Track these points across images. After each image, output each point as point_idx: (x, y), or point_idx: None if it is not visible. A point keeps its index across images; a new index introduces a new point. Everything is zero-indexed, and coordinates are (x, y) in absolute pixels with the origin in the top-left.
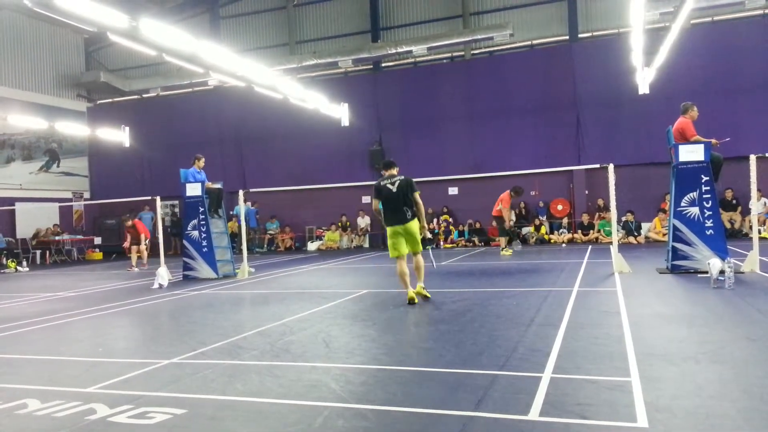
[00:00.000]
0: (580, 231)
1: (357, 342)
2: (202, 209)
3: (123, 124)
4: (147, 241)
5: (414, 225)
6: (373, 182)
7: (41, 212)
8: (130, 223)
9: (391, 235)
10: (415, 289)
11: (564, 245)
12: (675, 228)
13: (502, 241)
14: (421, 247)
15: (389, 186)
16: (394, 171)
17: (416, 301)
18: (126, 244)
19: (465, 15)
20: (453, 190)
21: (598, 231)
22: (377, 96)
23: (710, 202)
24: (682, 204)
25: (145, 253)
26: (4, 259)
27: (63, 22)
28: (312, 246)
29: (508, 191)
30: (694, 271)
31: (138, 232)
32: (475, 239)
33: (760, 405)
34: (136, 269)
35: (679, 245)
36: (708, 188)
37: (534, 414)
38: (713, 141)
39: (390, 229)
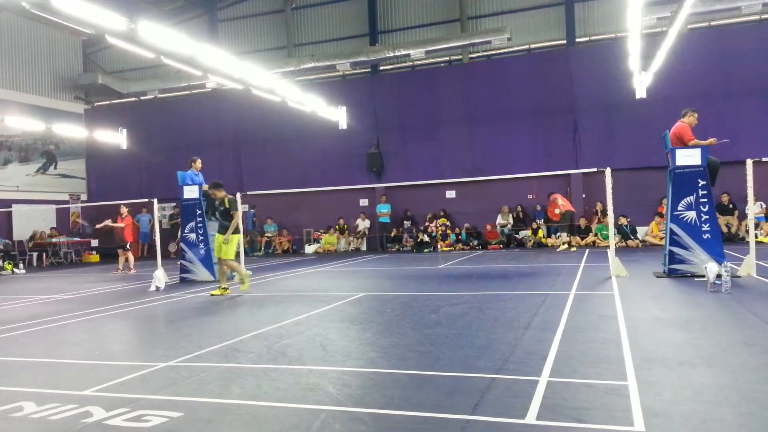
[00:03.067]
0: (577, 234)
1: (354, 345)
2: (199, 212)
3: (120, 127)
4: (129, 245)
5: None
6: (372, 185)
7: (38, 214)
8: (125, 212)
9: (238, 240)
10: (224, 284)
11: (574, 249)
12: (672, 232)
13: (567, 237)
14: None
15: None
16: None
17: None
18: (100, 225)
19: (463, 19)
20: (450, 194)
21: (596, 234)
22: (375, 99)
23: (707, 206)
24: (679, 208)
25: (132, 258)
26: (1, 261)
27: (61, 24)
28: (309, 249)
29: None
30: (691, 275)
31: (122, 226)
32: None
33: (757, 410)
34: (121, 271)
35: (676, 249)
36: (705, 192)
37: (531, 418)
38: (711, 141)
39: (239, 237)
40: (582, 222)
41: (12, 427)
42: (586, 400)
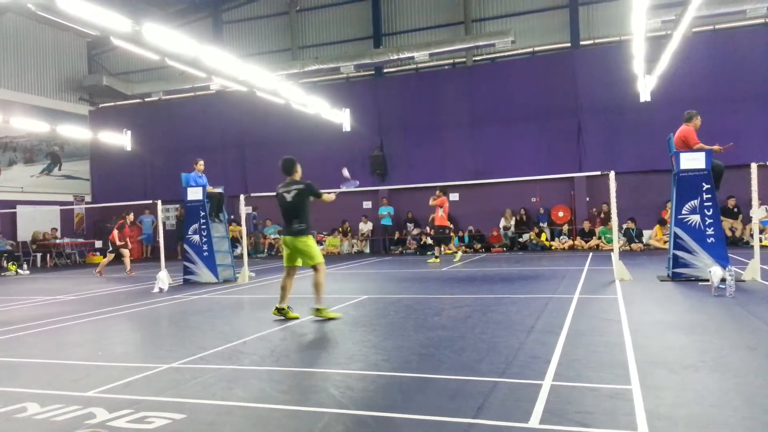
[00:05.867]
0: (579, 237)
1: (357, 348)
2: (203, 213)
3: (125, 128)
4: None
5: (303, 242)
6: (375, 187)
7: (42, 215)
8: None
9: (283, 245)
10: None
11: (435, 260)
12: (676, 236)
13: (441, 249)
14: (315, 261)
15: (285, 195)
16: (296, 176)
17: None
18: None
19: (467, 21)
20: (454, 196)
21: (599, 238)
22: (379, 101)
23: (711, 209)
24: (683, 212)
25: (106, 262)
26: (5, 262)
27: (66, 25)
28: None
29: (442, 198)
30: (695, 279)
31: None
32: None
33: (761, 414)
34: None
35: (680, 253)
36: (709, 196)
37: (534, 422)
38: (716, 147)
39: (282, 239)
40: (586, 225)
41: (15, 428)
42: (589, 404)
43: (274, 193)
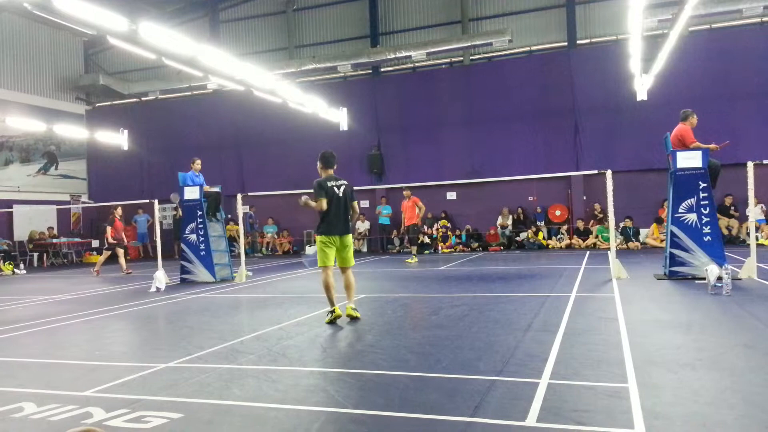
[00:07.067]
0: (576, 236)
1: (354, 347)
2: (200, 212)
3: (122, 127)
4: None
5: (350, 237)
6: (372, 186)
7: (39, 215)
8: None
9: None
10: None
11: (413, 261)
12: (673, 234)
13: (415, 249)
14: (353, 262)
15: (336, 189)
16: (332, 171)
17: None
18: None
19: (464, 21)
20: (451, 195)
21: (596, 236)
22: (376, 101)
23: (708, 208)
24: (680, 210)
25: (102, 260)
26: (1, 261)
27: (62, 24)
28: (310, 250)
29: (414, 197)
30: (691, 278)
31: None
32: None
33: (758, 412)
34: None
35: (676, 251)
36: (706, 195)
37: (531, 420)
38: (712, 146)
39: (330, 237)
40: (580, 224)
41: (12, 428)
42: (586, 403)
43: (273, 193)
